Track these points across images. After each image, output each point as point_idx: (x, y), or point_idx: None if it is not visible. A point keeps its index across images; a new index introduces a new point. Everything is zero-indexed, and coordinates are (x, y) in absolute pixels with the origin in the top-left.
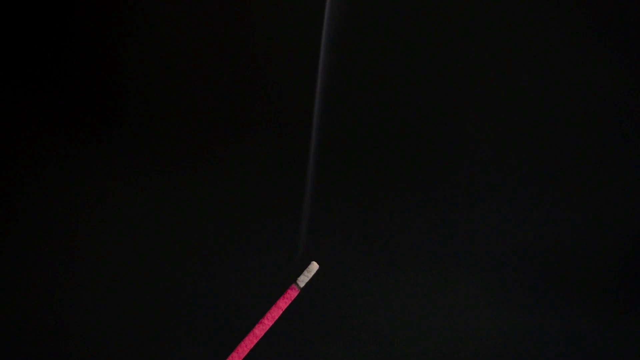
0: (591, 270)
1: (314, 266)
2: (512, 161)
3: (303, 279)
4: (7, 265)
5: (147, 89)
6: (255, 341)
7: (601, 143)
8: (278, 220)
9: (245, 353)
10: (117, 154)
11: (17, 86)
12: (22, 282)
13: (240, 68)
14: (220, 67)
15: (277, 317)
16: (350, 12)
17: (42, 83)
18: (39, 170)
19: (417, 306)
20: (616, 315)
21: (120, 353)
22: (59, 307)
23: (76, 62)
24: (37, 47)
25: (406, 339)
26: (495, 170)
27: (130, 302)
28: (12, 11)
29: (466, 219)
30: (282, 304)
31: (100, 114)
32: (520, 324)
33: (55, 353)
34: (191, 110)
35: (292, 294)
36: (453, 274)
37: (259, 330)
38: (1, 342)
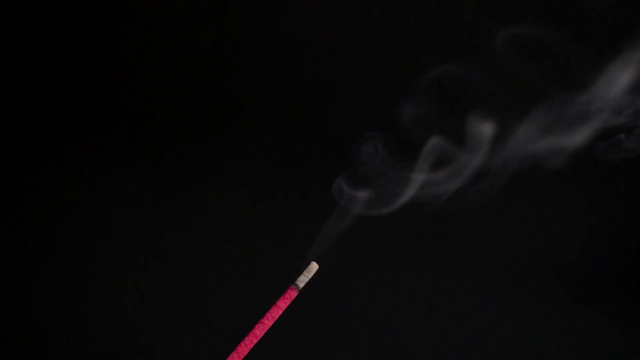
0: (592, 271)
1: (314, 266)
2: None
3: (302, 279)
4: (7, 265)
5: (146, 89)
6: (255, 341)
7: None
8: (278, 220)
9: (245, 353)
10: (117, 154)
11: (17, 86)
12: (22, 282)
13: (248, 65)
14: (224, 66)
15: (277, 317)
16: (354, 10)
17: (42, 83)
18: (38, 169)
19: (417, 306)
20: (616, 316)
21: (121, 353)
22: (59, 307)
23: (75, 61)
24: (37, 46)
25: (406, 339)
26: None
27: (130, 302)
28: (12, 11)
29: (466, 220)
30: (282, 304)
31: (100, 113)
32: (522, 326)
33: (55, 353)
34: (192, 109)
35: (291, 294)
36: (454, 276)
37: (259, 330)
38: (1, 342)
